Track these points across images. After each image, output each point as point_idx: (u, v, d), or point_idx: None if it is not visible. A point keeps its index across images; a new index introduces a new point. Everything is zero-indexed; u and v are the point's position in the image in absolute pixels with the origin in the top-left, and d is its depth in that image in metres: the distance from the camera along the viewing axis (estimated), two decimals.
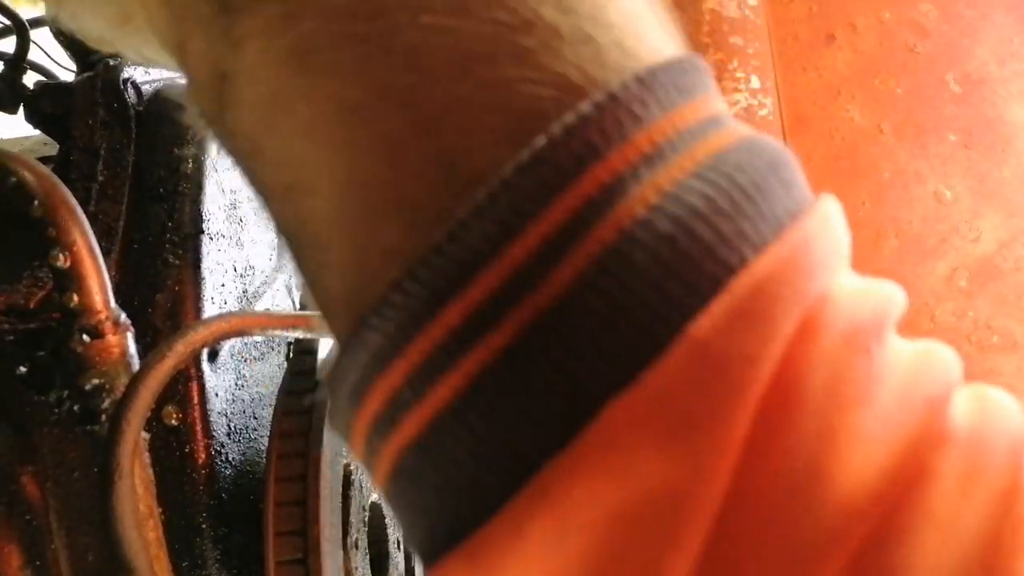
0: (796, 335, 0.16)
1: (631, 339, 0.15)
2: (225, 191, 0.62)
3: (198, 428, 0.53)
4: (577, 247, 0.15)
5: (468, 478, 0.16)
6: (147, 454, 0.43)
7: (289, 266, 0.75)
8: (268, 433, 0.58)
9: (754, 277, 0.15)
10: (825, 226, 0.17)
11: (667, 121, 0.16)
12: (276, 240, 0.71)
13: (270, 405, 0.61)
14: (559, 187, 0.15)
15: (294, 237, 0.18)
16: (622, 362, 0.15)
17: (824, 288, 0.17)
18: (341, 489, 0.57)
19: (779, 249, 0.16)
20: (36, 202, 0.43)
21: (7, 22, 0.68)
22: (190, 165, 0.58)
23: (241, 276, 0.62)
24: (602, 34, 0.17)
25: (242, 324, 0.44)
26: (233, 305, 0.60)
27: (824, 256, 0.17)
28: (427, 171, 0.16)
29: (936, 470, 0.16)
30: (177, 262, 0.55)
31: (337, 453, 0.56)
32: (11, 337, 0.46)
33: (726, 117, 0.18)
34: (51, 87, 0.62)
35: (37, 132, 0.65)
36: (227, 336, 0.44)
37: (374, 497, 0.65)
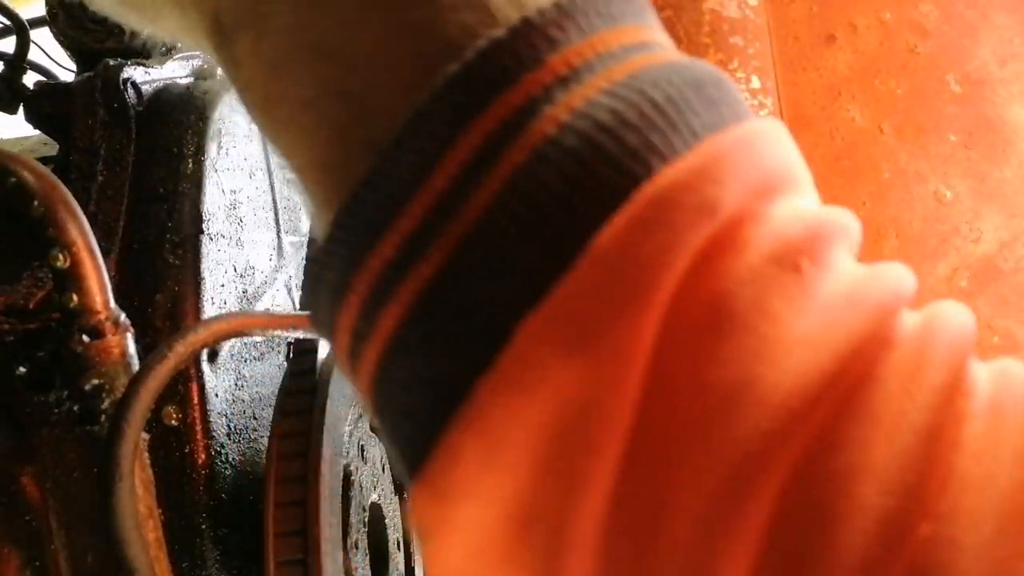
0: (711, 248, 0.16)
1: (541, 256, 0.15)
2: (225, 191, 0.61)
3: (198, 428, 0.52)
4: (493, 170, 0.15)
5: (415, 405, 0.17)
6: (147, 454, 0.43)
7: (289, 266, 0.75)
8: (268, 433, 0.58)
9: (657, 187, 0.15)
10: (753, 142, 0.17)
11: (586, 44, 0.16)
12: (276, 240, 0.71)
13: (270, 405, 0.61)
14: (473, 112, 0.16)
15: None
16: (533, 280, 0.15)
17: (750, 204, 0.16)
18: (341, 490, 0.57)
19: (689, 160, 0.16)
20: (36, 202, 0.43)
21: (7, 22, 0.68)
22: (190, 165, 0.58)
23: (241, 276, 0.62)
24: None
25: (242, 324, 0.44)
26: (233, 305, 0.60)
27: (746, 170, 0.16)
28: (362, 152, 0.17)
29: (880, 373, 0.16)
30: (177, 262, 0.55)
31: (337, 453, 0.56)
32: (11, 337, 0.46)
33: (659, 45, 0.18)
34: (51, 87, 0.62)
35: (37, 132, 0.65)
36: (227, 336, 0.44)
37: (374, 497, 0.65)
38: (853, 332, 0.16)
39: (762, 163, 0.17)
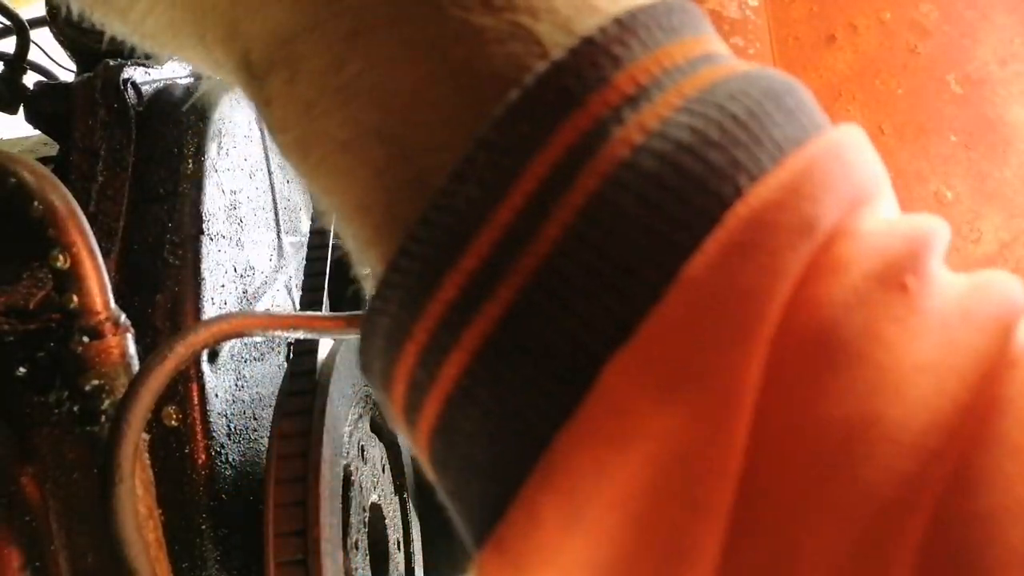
0: (812, 271, 0.14)
1: (625, 289, 0.14)
2: (225, 192, 0.61)
3: (198, 429, 0.52)
4: (563, 200, 0.14)
5: (487, 460, 0.15)
6: (147, 455, 0.43)
7: (289, 266, 0.75)
8: (268, 434, 0.58)
9: (750, 207, 0.14)
10: (839, 150, 0.15)
11: (651, 60, 0.15)
12: (276, 240, 0.71)
13: (270, 406, 0.61)
14: (538, 140, 0.14)
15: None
16: (618, 316, 0.14)
17: (843, 220, 0.15)
18: (341, 490, 0.57)
19: (779, 176, 0.14)
20: (36, 202, 0.43)
21: (7, 22, 0.68)
22: (190, 165, 0.58)
23: (241, 276, 0.62)
24: None
25: (243, 325, 0.44)
26: (233, 305, 0.59)
27: (837, 183, 0.15)
28: (405, 191, 0.16)
29: (1008, 395, 0.14)
30: (177, 263, 0.55)
31: (337, 454, 0.56)
32: (11, 337, 0.46)
33: (723, 56, 0.17)
34: (51, 87, 0.62)
35: (37, 132, 0.64)
36: (228, 337, 0.44)
37: (374, 498, 0.65)
38: (974, 353, 0.14)
39: (851, 174, 0.16)
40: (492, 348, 0.14)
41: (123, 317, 0.45)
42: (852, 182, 0.15)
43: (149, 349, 0.52)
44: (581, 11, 0.16)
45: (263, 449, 0.59)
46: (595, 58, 0.15)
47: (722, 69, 0.16)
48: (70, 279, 0.43)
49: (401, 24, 0.16)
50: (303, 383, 0.58)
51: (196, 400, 0.53)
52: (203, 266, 0.56)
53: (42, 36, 0.81)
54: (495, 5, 0.16)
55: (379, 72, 0.16)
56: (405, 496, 0.74)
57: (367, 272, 0.18)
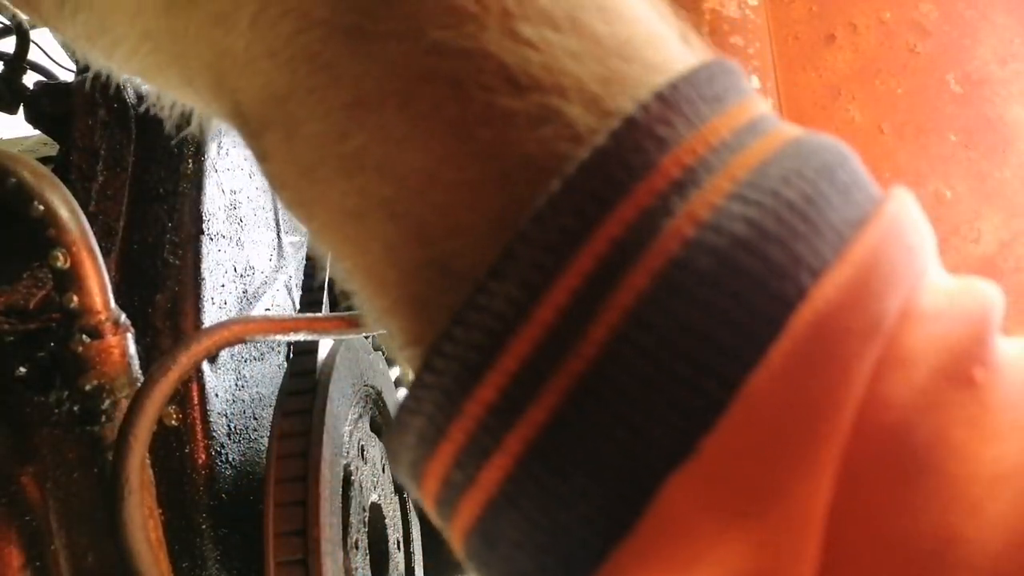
0: (879, 365, 0.13)
1: (682, 402, 0.13)
2: (225, 191, 0.61)
3: (198, 429, 0.52)
4: (610, 300, 0.13)
5: (535, 570, 0.14)
6: (147, 455, 0.43)
7: (289, 266, 0.75)
8: (268, 434, 0.58)
9: (817, 312, 0.13)
10: (898, 229, 0.15)
11: (698, 139, 0.14)
12: (276, 240, 0.71)
13: (270, 406, 0.61)
14: (581, 234, 0.13)
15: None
16: (676, 429, 0.13)
17: (905, 301, 0.14)
18: (341, 490, 0.57)
19: (843, 272, 0.13)
20: (36, 202, 0.43)
21: (7, 22, 0.68)
22: (190, 165, 0.58)
23: (241, 276, 0.62)
24: (609, 51, 0.15)
25: (243, 331, 0.45)
26: (233, 305, 0.59)
27: (900, 266, 0.14)
28: (423, 272, 0.15)
29: None
30: (177, 262, 0.55)
31: (337, 453, 0.56)
32: (11, 337, 0.46)
33: (767, 120, 0.16)
34: (51, 87, 0.62)
35: (37, 132, 0.65)
36: (229, 344, 0.44)
37: (374, 497, 0.65)
38: None
39: (912, 256, 0.15)
40: (537, 455, 0.14)
41: (123, 317, 0.45)
42: (911, 263, 0.15)
43: (149, 349, 0.52)
44: (611, 86, 0.15)
45: (263, 449, 0.59)
46: (639, 141, 0.14)
47: (770, 140, 0.15)
48: (70, 279, 0.43)
49: (413, 103, 0.15)
50: (303, 383, 0.58)
51: (196, 400, 0.53)
52: (203, 266, 0.56)
53: (42, 36, 0.81)
54: (521, 85, 0.15)
55: (388, 149, 0.15)
56: (405, 496, 0.74)
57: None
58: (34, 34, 0.68)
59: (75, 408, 0.43)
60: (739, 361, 0.13)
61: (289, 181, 0.17)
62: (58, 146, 0.62)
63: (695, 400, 0.13)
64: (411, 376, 0.16)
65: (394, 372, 0.82)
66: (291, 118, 0.16)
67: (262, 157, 0.17)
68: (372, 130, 0.15)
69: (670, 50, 0.16)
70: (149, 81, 0.20)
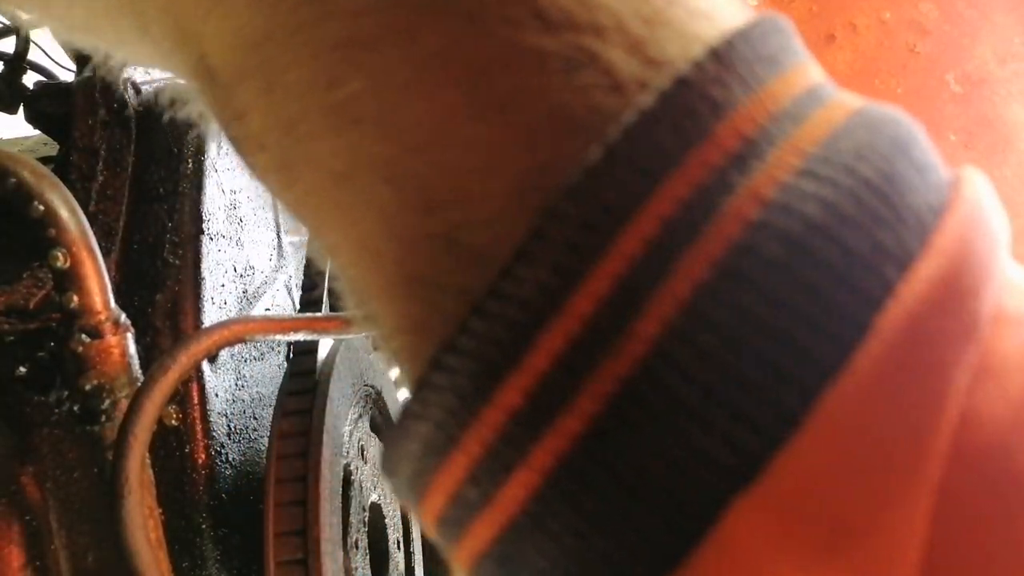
0: (972, 382, 0.12)
1: (748, 412, 0.11)
2: (225, 191, 0.62)
3: (198, 428, 0.53)
4: (662, 289, 0.11)
5: None
6: (147, 454, 0.43)
7: (289, 266, 0.75)
8: (268, 434, 0.58)
9: (908, 311, 0.11)
10: (980, 216, 0.13)
11: (756, 104, 0.12)
12: (276, 240, 0.71)
13: (270, 405, 0.61)
14: (626, 211, 0.12)
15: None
16: (741, 446, 0.11)
17: (996, 301, 0.12)
18: (341, 489, 0.57)
19: (933, 264, 0.12)
20: (36, 202, 0.43)
21: (7, 22, 0.68)
22: (190, 165, 0.58)
23: (241, 276, 0.62)
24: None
25: (243, 331, 0.45)
26: (233, 305, 0.60)
27: (991, 265, 0.12)
28: (425, 246, 0.13)
29: None
30: (177, 262, 0.55)
31: (337, 453, 0.57)
32: (11, 337, 0.46)
33: (826, 86, 0.14)
34: (51, 87, 0.62)
35: (37, 132, 0.65)
36: (229, 343, 0.44)
37: (374, 497, 0.65)
38: None
39: (996, 246, 0.13)
40: (570, 471, 0.12)
41: (123, 316, 0.45)
42: (999, 256, 0.13)
43: (149, 348, 0.52)
44: (656, 28, 0.13)
45: (263, 449, 0.59)
46: (692, 104, 0.12)
47: (834, 110, 0.13)
48: (70, 279, 0.43)
49: (419, 41, 0.12)
50: (303, 383, 0.59)
51: (196, 400, 0.53)
52: (203, 266, 0.56)
53: (42, 36, 0.81)
54: (552, 20, 0.12)
55: (386, 98, 0.13)
56: None
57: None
58: (34, 34, 0.68)
59: (75, 408, 0.43)
60: (818, 367, 0.11)
61: (269, 141, 0.14)
62: (58, 146, 0.62)
63: (765, 412, 0.11)
64: (399, 369, 0.14)
65: (394, 372, 0.82)
66: (270, 64, 0.13)
67: (236, 116, 0.15)
68: (368, 75, 0.13)
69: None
70: (97, 38, 0.17)
